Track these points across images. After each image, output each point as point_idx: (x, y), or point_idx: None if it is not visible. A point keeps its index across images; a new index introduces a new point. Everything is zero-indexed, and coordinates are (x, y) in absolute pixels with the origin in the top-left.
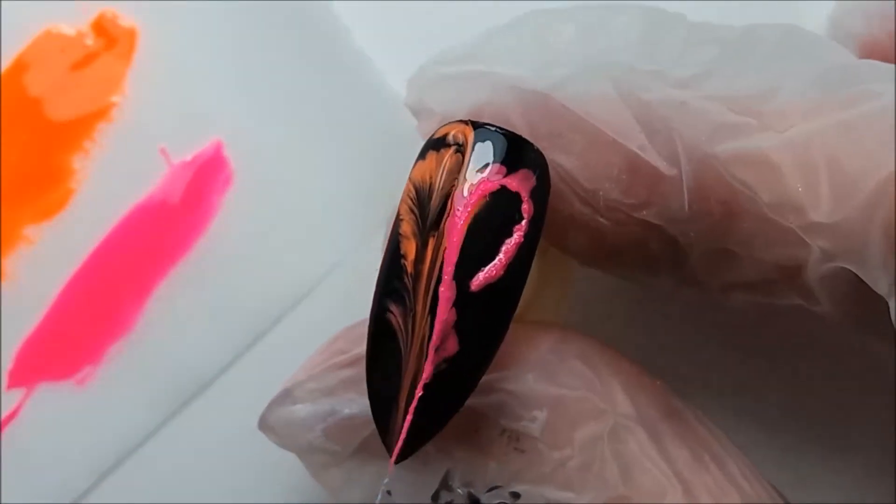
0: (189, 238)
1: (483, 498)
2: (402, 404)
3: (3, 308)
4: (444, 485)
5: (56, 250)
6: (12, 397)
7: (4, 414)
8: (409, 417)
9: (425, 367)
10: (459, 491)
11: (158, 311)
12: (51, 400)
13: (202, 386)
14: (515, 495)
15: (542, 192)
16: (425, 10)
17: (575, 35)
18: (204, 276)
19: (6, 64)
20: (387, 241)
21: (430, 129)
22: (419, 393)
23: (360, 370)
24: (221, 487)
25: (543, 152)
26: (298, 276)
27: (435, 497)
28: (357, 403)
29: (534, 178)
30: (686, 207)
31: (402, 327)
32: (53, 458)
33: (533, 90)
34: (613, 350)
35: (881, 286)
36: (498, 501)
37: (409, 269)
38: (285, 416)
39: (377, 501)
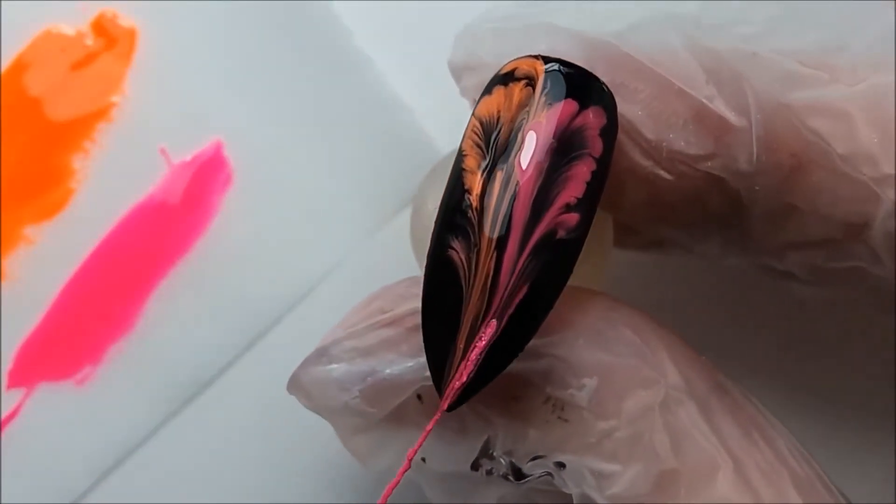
0: (189, 238)
1: (525, 468)
2: (461, 345)
3: (3, 308)
4: (485, 453)
5: (56, 250)
6: (12, 397)
7: (4, 414)
8: (471, 357)
9: (494, 303)
10: (501, 460)
11: (158, 311)
12: (51, 400)
13: (202, 386)
14: (560, 465)
15: (612, 131)
16: (425, 9)
17: None
18: (204, 276)
19: (6, 64)
20: (449, 177)
21: (479, 82)
22: (489, 332)
23: (401, 330)
24: (221, 487)
25: None
26: (298, 276)
27: (475, 465)
28: (397, 365)
29: (604, 115)
30: (754, 159)
31: (464, 264)
32: (53, 458)
33: (595, 38)
34: (661, 322)
35: None
36: (542, 471)
37: (475, 203)
38: (320, 376)
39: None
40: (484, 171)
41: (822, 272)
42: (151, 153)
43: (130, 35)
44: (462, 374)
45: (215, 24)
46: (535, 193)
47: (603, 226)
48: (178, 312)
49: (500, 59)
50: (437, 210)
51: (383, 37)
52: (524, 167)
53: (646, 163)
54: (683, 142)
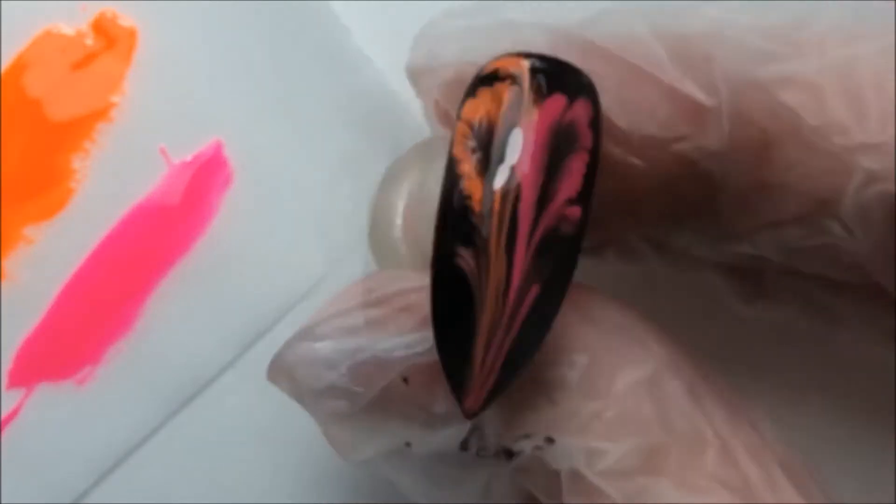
0: (189, 238)
1: (515, 446)
2: (480, 352)
3: (3, 308)
4: (474, 432)
5: (56, 250)
6: (12, 397)
7: (4, 414)
8: (496, 365)
9: (509, 310)
10: (491, 438)
11: (158, 311)
12: (51, 400)
13: (202, 386)
14: (550, 440)
15: (599, 121)
16: (425, 10)
17: None
18: (204, 277)
19: (6, 64)
20: (443, 183)
21: (438, 83)
22: (513, 337)
23: (389, 310)
24: (221, 487)
25: None
26: (298, 276)
27: (464, 444)
28: (385, 343)
29: (591, 107)
30: (726, 136)
31: (474, 271)
32: (53, 458)
33: (560, 29)
34: (644, 314)
35: None
36: (531, 447)
37: (477, 208)
38: (306, 354)
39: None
40: (481, 175)
41: (795, 253)
42: (151, 153)
43: (130, 35)
44: (488, 381)
45: (215, 25)
46: (537, 192)
47: None
48: (178, 312)
49: (461, 59)
50: (396, 208)
51: (383, 37)
52: (523, 167)
53: (616, 150)
54: (655, 126)
